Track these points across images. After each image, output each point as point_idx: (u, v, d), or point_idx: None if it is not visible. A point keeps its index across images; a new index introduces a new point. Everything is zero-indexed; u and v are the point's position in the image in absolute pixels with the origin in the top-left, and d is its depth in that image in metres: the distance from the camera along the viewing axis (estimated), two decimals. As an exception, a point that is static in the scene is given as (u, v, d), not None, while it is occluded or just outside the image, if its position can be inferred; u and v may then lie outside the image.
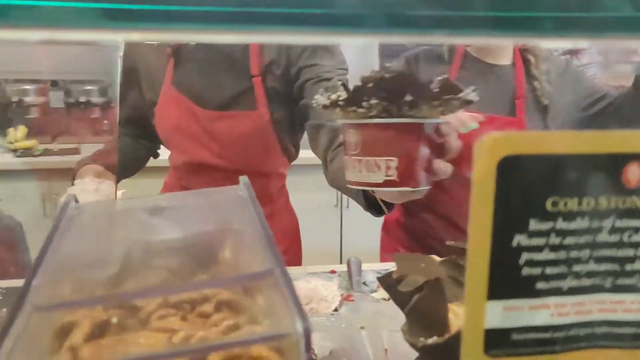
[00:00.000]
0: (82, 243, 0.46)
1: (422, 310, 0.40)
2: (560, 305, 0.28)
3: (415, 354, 0.45)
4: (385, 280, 0.44)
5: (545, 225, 0.27)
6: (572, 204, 0.27)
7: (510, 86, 1.37)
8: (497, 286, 0.28)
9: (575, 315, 0.28)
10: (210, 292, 0.37)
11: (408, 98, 0.61)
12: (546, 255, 0.28)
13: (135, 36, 0.23)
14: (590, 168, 0.27)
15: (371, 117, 0.64)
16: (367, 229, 2.38)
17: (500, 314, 0.28)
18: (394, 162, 0.64)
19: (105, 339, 0.33)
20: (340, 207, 2.56)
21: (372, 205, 0.96)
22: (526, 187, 0.27)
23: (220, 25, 0.24)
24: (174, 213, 0.49)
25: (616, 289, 0.28)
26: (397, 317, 0.91)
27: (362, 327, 1.07)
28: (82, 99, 2.52)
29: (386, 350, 0.95)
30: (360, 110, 0.64)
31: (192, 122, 1.23)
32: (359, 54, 3.03)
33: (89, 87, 2.55)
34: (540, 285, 0.28)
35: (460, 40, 0.27)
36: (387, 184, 0.66)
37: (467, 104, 0.67)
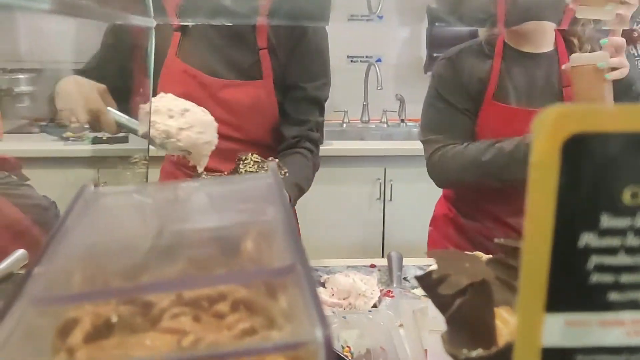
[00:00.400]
0: (99, 230, 0.43)
1: (466, 316, 0.35)
2: (638, 322, 0.23)
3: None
4: (425, 280, 0.40)
5: (622, 222, 0.22)
6: (657, 196, 0.22)
7: (556, 74, 1.30)
8: (558, 296, 0.22)
9: (657, 334, 0.23)
10: (227, 289, 0.33)
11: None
12: (621, 259, 0.22)
13: None
14: (681, 152, 0.22)
15: None
16: (410, 223, 2.31)
17: (562, 330, 0.23)
18: None
19: (109, 340, 0.30)
20: (383, 200, 2.50)
21: None
22: (598, 173, 0.22)
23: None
24: (198, 201, 0.46)
25: None
26: (439, 316, 0.86)
27: (401, 325, 1.02)
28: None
29: (426, 351, 0.90)
30: None
31: (199, 90, 1.26)
32: (406, 43, 2.95)
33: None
34: (613, 296, 0.23)
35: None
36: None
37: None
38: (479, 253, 1.22)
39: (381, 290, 1.20)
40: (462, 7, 1.07)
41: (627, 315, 0.23)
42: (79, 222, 0.40)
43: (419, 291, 1.22)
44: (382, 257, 2.49)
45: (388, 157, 2.47)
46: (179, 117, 0.97)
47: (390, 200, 2.50)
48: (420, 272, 1.29)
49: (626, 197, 0.22)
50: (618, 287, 0.23)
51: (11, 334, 0.27)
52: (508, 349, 0.31)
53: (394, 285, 1.23)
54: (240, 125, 1.30)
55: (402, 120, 2.97)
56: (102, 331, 0.31)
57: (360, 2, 2.46)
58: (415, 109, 2.98)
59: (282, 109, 1.33)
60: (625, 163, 0.22)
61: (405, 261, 1.34)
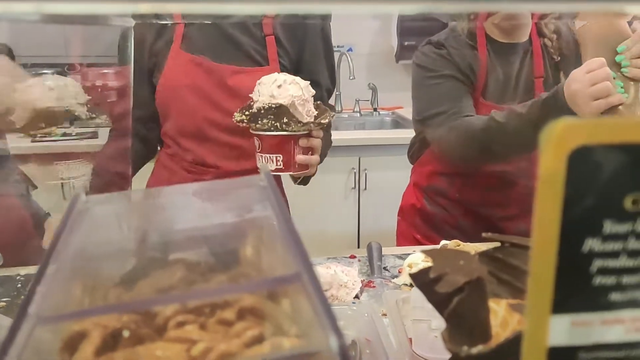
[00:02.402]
0: (94, 239, 0.43)
1: (464, 314, 0.36)
2: (636, 319, 0.24)
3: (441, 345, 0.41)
4: (420, 278, 0.41)
5: (623, 227, 0.23)
6: (656, 202, 0.23)
7: (529, 65, 1.32)
8: (564, 297, 0.24)
9: (655, 331, 0.25)
10: (232, 297, 0.33)
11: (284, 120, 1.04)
12: (623, 262, 0.24)
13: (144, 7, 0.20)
14: (676, 160, 0.23)
15: (264, 130, 1.06)
16: (385, 211, 2.34)
17: (567, 329, 0.24)
18: (281, 157, 1.08)
19: (119, 352, 0.30)
20: (357, 189, 2.52)
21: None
22: (601, 182, 0.23)
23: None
24: (192, 204, 0.46)
25: None
26: (421, 305, 0.88)
27: (384, 315, 1.04)
28: (98, 83, 2.48)
29: (410, 339, 0.91)
30: (258, 125, 1.06)
31: (206, 79, 1.25)
32: (378, 32, 2.96)
33: (105, 71, 2.51)
34: (615, 296, 0.24)
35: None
36: (277, 170, 1.08)
37: (323, 125, 1.11)
38: (456, 241, 1.25)
39: (362, 281, 1.21)
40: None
41: (627, 314, 0.24)
42: (75, 232, 0.40)
43: (400, 280, 1.24)
44: (358, 245, 2.52)
45: (362, 147, 2.48)
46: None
47: (365, 189, 2.52)
48: (399, 261, 1.32)
49: (627, 203, 0.23)
50: (619, 287, 0.24)
51: (21, 353, 0.27)
52: (506, 344, 0.32)
53: (375, 275, 1.25)
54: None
55: (375, 109, 2.99)
56: (109, 343, 0.31)
57: None
58: (387, 98, 3.02)
59: None
60: (626, 172, 0.23)
61: (384, 250, 1.35)
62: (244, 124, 1.09)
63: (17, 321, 0.28)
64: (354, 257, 1.35)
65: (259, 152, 1.10)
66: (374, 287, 1.20)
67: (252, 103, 1.10)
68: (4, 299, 1.06)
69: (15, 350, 0.27)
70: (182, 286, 0.38)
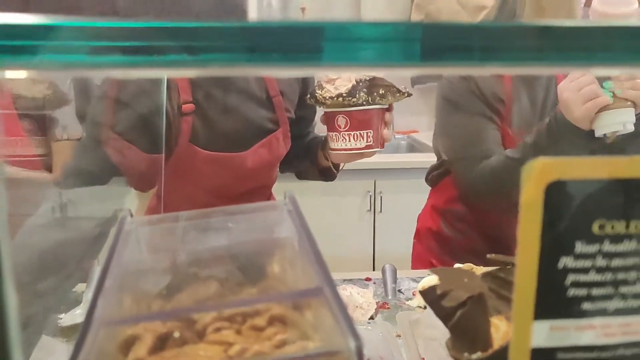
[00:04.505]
0: (138, 256, 0.48)
1: (466, 325, 0.41)
2: (606, 326, 0.29)
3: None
4: (429, 295, 0.45)
5: (592, 248, 0.28)
6: (619, 227, 0.28)
7: (554, 93, 1.34)
8: (543, 307, 0.28)
9: (622, 336, 0.29)
10: (261, 307, 0.38)
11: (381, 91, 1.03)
12: (592, 276, 0.28)
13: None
14: (637, 192, 0.28)
15: (358, 105, 1.02)
16: (400, 234, 2.38)
17: (547, 333, 0.29)
18: (371, 132, 1.05)
19: (167, 351, 0.35)
20: (373, 212, 2.56)
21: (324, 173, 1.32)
22: (573, 210, 0.28)
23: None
24: (223, 227, 0.51)
25: (663, 310, 0.29)
26: (434, 325, 0.91)
27: (399, 336, 1.08)
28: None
29: (423, 359, 0.95)
30: (353, 100, 1.02)
31: (223, 174, 1.20)
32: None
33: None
34: (587, 306, 0.29)
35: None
36: (367, 147, 1.06)
37: (410, 94, 1.14)
38: (469, 265, 1.28)
39: (377, 303, 1.25)
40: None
41: (597, 321, 0.29)
42: (123, 250, 0.45)
43: (414, 302, 1.27)
44: (373, 267, 2.55)
45: (377, 170, 2.53)
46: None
47: (381, 211, 2.56)
48: (414, 284, 1.35)
49: (595, 228, 0.28)
50: (590, 298, 0.29)
51: (89, 353, 0.32)
52: (502, 351, 0.37)
53: (389, 297, 1.28)
54: (260, 179, 1.29)
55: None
56: (158, 345, 0.36)
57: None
58: (403, 122, 3.07)
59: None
60: (594, 202, 0.28)
61: (399, 273, 1.39)
62: (340, 100, 1.03)
63: (85, 326, 0.34)
64: (369, 279, 1.39)
65: (346, 131, 1.05)
66: (388, 308, 1.24)
67: (322, 83, 1.06)
68: None
69: (85, 350, 0.32)
70: (217, 298, 0.43)
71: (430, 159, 1.59)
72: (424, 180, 1.63)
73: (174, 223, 0.52)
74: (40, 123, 1.30)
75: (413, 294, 1.30)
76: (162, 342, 0.37)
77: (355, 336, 0.30)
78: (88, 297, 1.13)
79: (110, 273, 0.41)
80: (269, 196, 1.42)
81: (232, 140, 1.19)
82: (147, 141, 1.06)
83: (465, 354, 0.38)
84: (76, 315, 1.07)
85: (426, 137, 2.65)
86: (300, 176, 1.49)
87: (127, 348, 0.37)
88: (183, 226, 0.52)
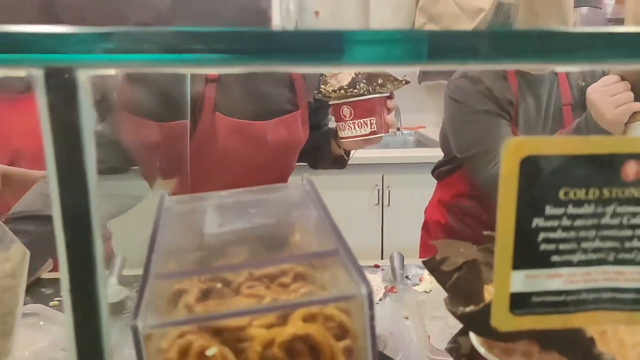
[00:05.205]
0: (177, 231, 0.56)
1: (461, 285, 0.47)
2: (571, 274, 0.36)
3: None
4: (430, 263, 0.52)
5: (558, 211, 0.35)
6: (580, 193, 0.35)
7: (556, 93, 1.39)
8: (520, 259, 0.35)
9: (584, 283, 0.36)
10: (286, 267, 0.46)
11: (380, 81, 1.13)
12: (559, 234, 0.35)
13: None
14: (595, 165, 0.34)
15: (359, 95, 1.13)
16: (408, 227, 2.44)
17: (523, 281, 0.35)
18: (374, 120, 1.14)
19: (211, 301, 0.42)
20: (381, 206, 2.63)
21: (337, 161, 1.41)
22: (543, 180, 0.34)
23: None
24: (250, 205, 0.58)
25: (617, 262, 0.35)
26: (438, 307, 0.98)
27: (407, 318, 1.15)
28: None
29: (429, 336, 1.02)
30: (355, 91, 1.12)
31: (243, 139, 1.26)
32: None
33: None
34: (555, 258, 0.35)
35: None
36: (372, 133, 1.16)
37: (408, 82, 1.20)
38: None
39: (385, 287, 1.32)
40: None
41: (563, 270, 0.36)
42: (165, 225, 0.53)
43: (420, 287, 1.34)
44: (382, 259, 2.61)
45: (385, 165, 2.60)
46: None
47: (389, 205, 2.63)
48: (420, 271, 1.42)
49: (561, 194, 0.35)
50: (557, 252, 0.35)
51: (149, 300, 0.40)
52: (490, 304, 0.44)
53: (398, 282, 1.35)
54: (278, 160, 1.34)
55: (398, 129, 3.11)
56: (201, 297, 0.44)
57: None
58: (410, 118, 3.14)
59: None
60: (559, 173, 0.34)
61: (406, 261, 1.46)
62: (342, 92, 1.14)
63: (144, 280, 0.41)
64: (378, 266, 1.46)
65: (351, 120, 1.16)
66: (396, 292, 1.31)
67: (326, 78, 1.16)
68: (57, 299, 1.20)
69: (145, 298, 0.39)
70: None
71: (437, 153, 1.65)
72: (430, 174, 1.69)
73: (207, 202, 0.60)
74: None
75: (420, 280, 1.37)
76: (205, 296, 0.44)
77: (367, 283, 0.37)
78: (111, 281, 1.21)
79: (157, 243, 0.48)
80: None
81: (253, 110, 1.25)
82: (172, 111, 1.11)
83: (460, 308, 0.45)
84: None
85: (433, 132, 2.71)
86: (315, 166, 1.55)
87: (175, 299, 0.44)
88: (211, 204, 0.60)
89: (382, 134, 1.20)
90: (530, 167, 0.34)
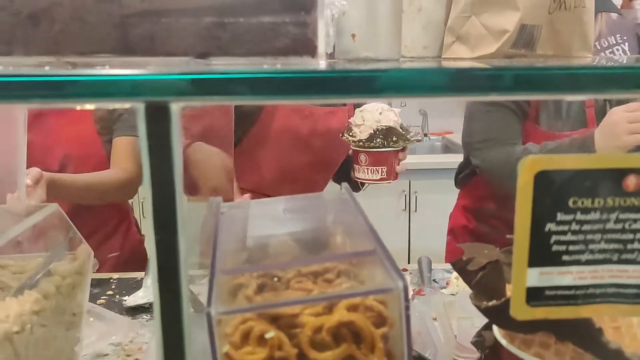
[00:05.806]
0: (231, 233, 0.63)
1: (485, 283, 0.53)
2: (580, 272, 0.41)
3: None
4: (457, 264, 0.58)
5: (568, 217, 0.41)
6: (587, 202, 0.41)
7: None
8: (535, 258, 0.41)
9: (591, 279, 0.42)
10: (330, 265, 0.52)
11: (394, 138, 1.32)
12: (569, 237, 0.41)
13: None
14: (600, 178, 0.40)
15: (375, 147, 1.34)
16: (435, 232, 2.48)
17: (538, 277, 0.41)
18: (385, 168, 1.36)
19: (266, 293, 0.49)
20: (408, 211, 2.67)
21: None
22: (554, 191, 0.40)
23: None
24: (295, 212, 0.65)
25: (621, 261, 0.41)
26: (465, 308, 1.03)
27: (434, 319, 1.20)
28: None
29: (455, 336, 1.07)
30: (372, 144, 1.33)
31: (302, 124, 1.46)
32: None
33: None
34: (565, 257, 0.41)
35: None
36: (381, 179, 1.38)
37: (419, 141, 1.44)
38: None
39: (413, 290, 1.37)
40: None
41: (573, 268, 0.41)
42: (223, 227, 0.60)
43: (447, 290, 1.38)
44: (409, 264, 2.65)
45: (412, 171, 2.63)
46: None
47: (416, 211, 2.67)
48: (447, 274, 1.47)
49: (570, 203, 0.41)
50: (567, 253, 0.41)
51: (219, 292, 0.47)
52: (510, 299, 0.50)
53: (425, 285, 1.40)
54: (326, 152, 1.54)
55: (426, 135, 3.14)
56: (258, 290, 0.51)
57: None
58: (437, 123, 3.17)
59: None
60: (569, 185, 0.41)
61: (433, 265, 1.51)
62: (361, 143, 1.37)
63: (212, 275, 0.48)
64: (406, 270, 1.51)
65: (366, 165, 1.38)
66: (423, 294, 1.36)
67: (352, 126, 1.37)
68: (103, 297, 1.29)
69: (214, 290, 0.47)
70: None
71: (465, 159, 1.69)
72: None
73: (256, 209, 0.67)
74: (108, 121, 1.47)
75: (447, 283, 1.41)
76: (260, 289, 0.51)
77: (403, 278, 0.44)
78: (147, 282, 1.28)
79: (219, 242, 0.55)
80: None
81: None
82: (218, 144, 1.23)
83: (484, 302, 0.51)
84: (138, 297, 1.22)
85: (460, 138, 2.74)
86: (338, 182, 1.69)
87: (234, 292, 0.51)
88: (258, 211, 0.67)
89: (391, 181, 1.41)
90: (543, 180, 0.41)
